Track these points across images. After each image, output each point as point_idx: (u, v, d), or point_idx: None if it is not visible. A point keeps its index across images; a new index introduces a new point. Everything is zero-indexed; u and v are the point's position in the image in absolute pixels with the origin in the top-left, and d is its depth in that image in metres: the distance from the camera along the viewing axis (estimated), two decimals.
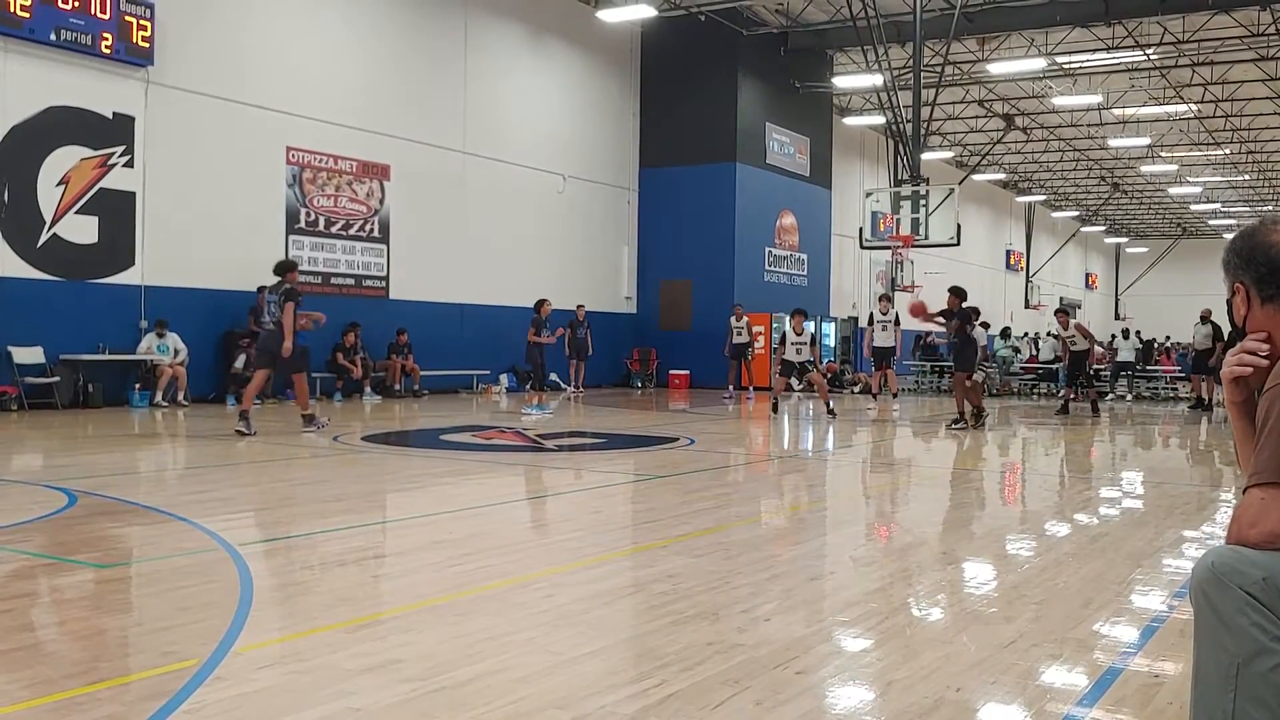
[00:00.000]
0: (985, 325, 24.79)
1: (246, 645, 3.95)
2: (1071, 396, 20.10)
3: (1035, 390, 26.73)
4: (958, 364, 15.70)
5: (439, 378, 20.90)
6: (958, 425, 14.94)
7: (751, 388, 23.39)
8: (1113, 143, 36.87)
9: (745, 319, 22.69)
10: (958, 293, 15.69)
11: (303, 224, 19.15)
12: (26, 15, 14.94)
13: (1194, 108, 32.69)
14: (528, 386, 18.04)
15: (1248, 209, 52.17)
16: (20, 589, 5.00)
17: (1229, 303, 2.47)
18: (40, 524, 6.50)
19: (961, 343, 15.46)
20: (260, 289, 17.58)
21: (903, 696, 3.51)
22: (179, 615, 4.37)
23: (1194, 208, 52.88)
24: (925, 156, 26.14)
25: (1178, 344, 36.15)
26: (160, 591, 4.88)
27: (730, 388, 22.89)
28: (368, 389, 19.40)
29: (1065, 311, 21.21)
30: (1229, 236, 2.53)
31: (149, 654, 3.91)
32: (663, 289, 27.08)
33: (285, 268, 12.88)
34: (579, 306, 22.91)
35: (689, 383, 25.85)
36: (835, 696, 3.55)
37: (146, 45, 16.32)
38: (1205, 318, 21.46)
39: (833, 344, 30.02)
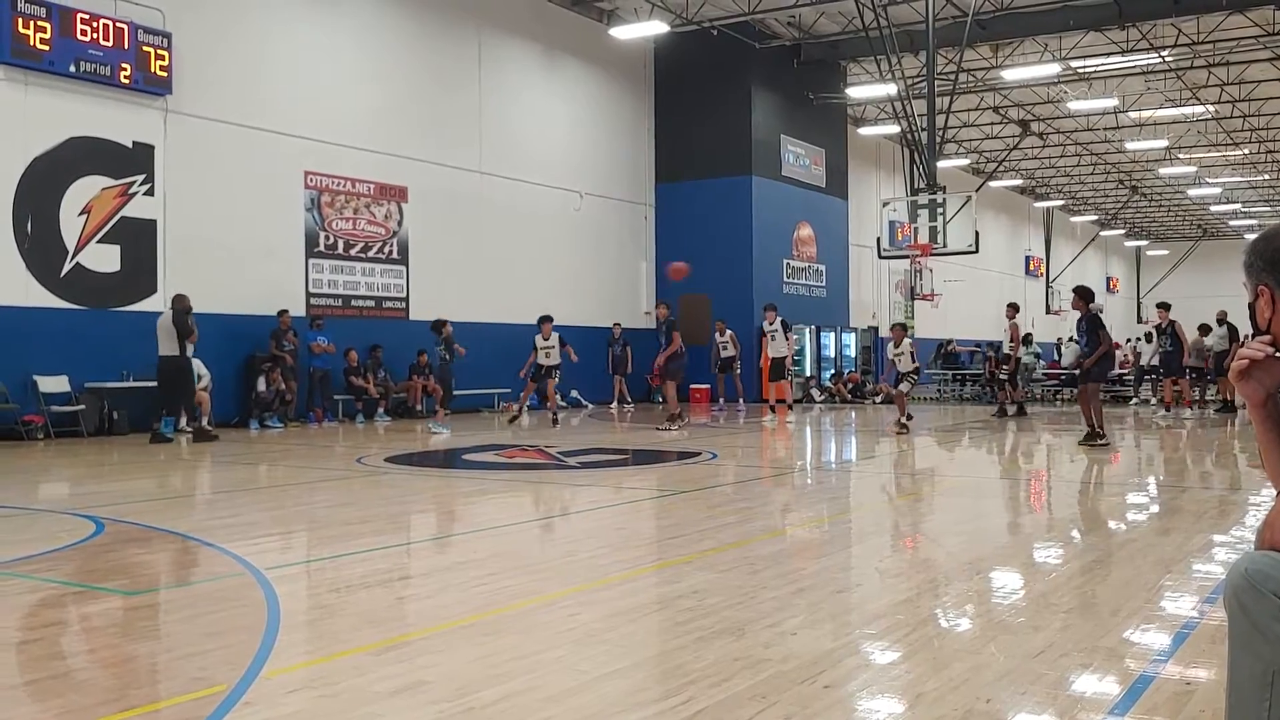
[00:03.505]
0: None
1: (275, 670, 3.96)
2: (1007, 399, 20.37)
3: (1058, 396, 26.56)
4: (1093, 376, 13.83)
5: (460, 397, 20.91)
6: (1100, 442, 13.27)
7: (742, 399, 23.48)
8: (1130, 146, 36.72)
9: (729, 333, 22.86)
10: (1084, 294, 14.13)
11: (322, 247, 19.26)
12: (46, 48, 15.12)
13: (1211, 108, 32.51)
14: (437, 405, 18.23)
15: (1269, 209, 51.80)
16: (50, 617, 5.03)
17: (1251, 306, 2.45)
18: (69, 552, 6.54)
19: (1092, 349, 13.70)
20: (281, 312, 17.73)
21: (932, 709, 3.48)
22: (208, 641, 4.39)
23: (1214, 209, 52.55)
24: (941, 164, 26.09)
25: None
26: (189, 617, 4.91)
27: (721, 400, 23.08)
28: (381, 410, 19.42)
29: (1015, 306, 21.05)
30: (1250, 237, 2.50)
31: (179, 680, 3.93)
32: (682, 303, 27.02)
33: (658, 304, 18.21)
34: (615, 324, 23.11)
35: (710, 397, 25.81)
36: (864, 710, 3.53)
37: (164, 75, 16.48)
38: (1221, 319, 21.39)
39: (853, 354, 29.95)
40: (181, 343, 14.60)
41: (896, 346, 16.99)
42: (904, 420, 16.43)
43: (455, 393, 18.07)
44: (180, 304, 14.87)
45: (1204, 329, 24.04)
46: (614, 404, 23.32)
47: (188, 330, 14.65)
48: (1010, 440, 15.72)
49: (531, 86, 23.66)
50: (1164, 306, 20.97)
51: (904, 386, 17.00)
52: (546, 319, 18.34)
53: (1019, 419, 19.17)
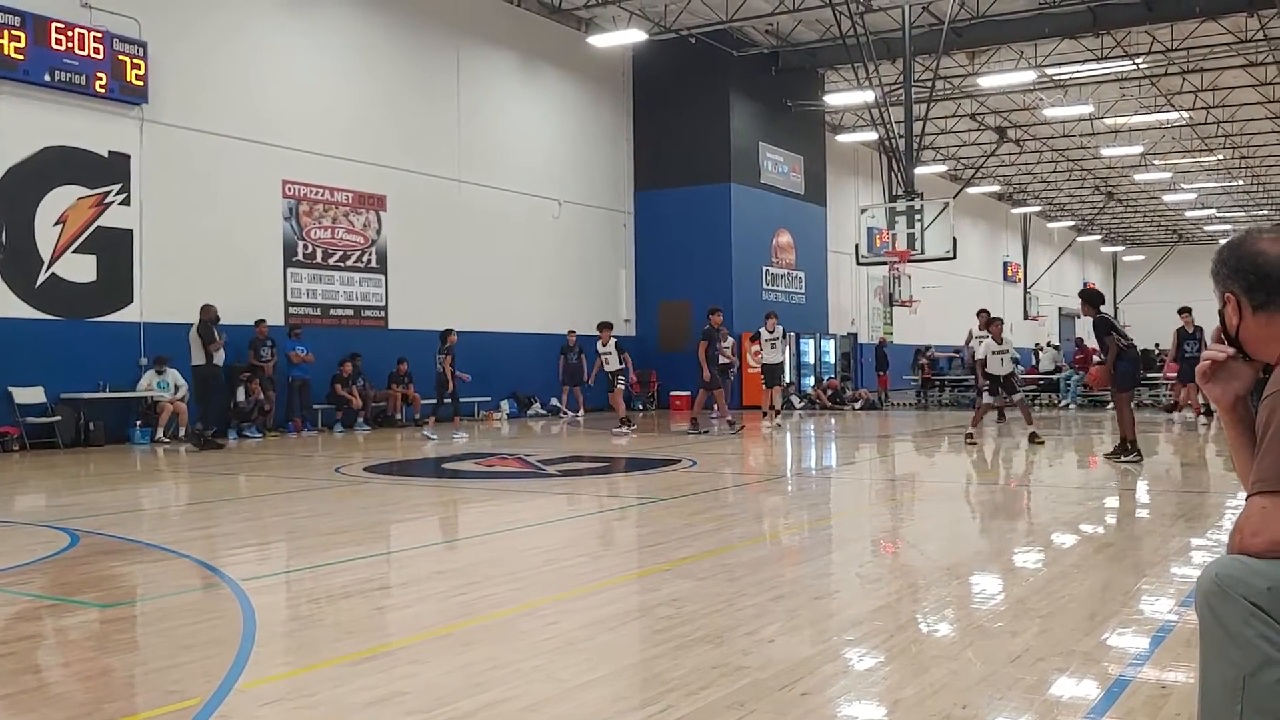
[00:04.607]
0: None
1: (250, 682, 3.93)
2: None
3: (1036, 401, 26.70)
4: (1117, 382, 12.41)
5: (437, 406, 20.85)
6: (1129, 458, 11.97)
7: (718, 408, 23.42)
8: (1105, 152, 36.98)
9: (730, 340, 22.78)
10: (1090, 298, 12.85)
11: (300, 256, 19.18)
12: (21, 57, 15.01)
13: (1185, 115, 32.80)
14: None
15: (1243, 214, 52.25)
16: (24, 631, 4.98)
17: (1221, 313, 2.48)
18: (43, 565, 6.49)
19: (1115, 356, 12.20)
20: (259, 321, 17.63)
21: (910, 714, 3.49)
22: (182, 653, 4.36)
23: (1189, 214, 52.98)
24: (919, 171, 26.21)
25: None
26: (163, 630, 4.87)
27: (715, 408, 23.00)
28: (360, 420, 19.30)
29: (987, 313, 20.85)
30: (1225, 242, 2.54)
31: (153, 693, 3.90)
32: (661, 310, 27.10)
33: (711, 311, 17.72)
34: (570, 332, 22.94)
35: (690, 404, 25.80)
36: (842, 717, 3.53)
37: (140, 84, 16.39)
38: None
39: (832, 361, 30.03)
40: (207, 351, 15.00)
41: (999, 343, 14.71)
42: (1036, 431, 14.56)
43: (445, 401, 18.02)
44: (206, 314, 15.20)
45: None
46: (567, 414, 22.95)
47: (209, 338, 15.01)
48: (990, 446, 15.78)
49: (510, 95, 23.65)
50: (1187, 310, 20.67)
51: (1018, 395, 15.03)
52: (605, 325, 18.72)
53: (999, 424, 19.21)
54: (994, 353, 14.70)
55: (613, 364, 18.36)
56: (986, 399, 14.91)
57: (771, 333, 20.29)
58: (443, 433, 17.40)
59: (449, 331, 17.91)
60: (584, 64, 25.44)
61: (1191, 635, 4.33)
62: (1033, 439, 14.33)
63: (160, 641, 4.67)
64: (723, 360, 22.64)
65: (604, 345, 18.42)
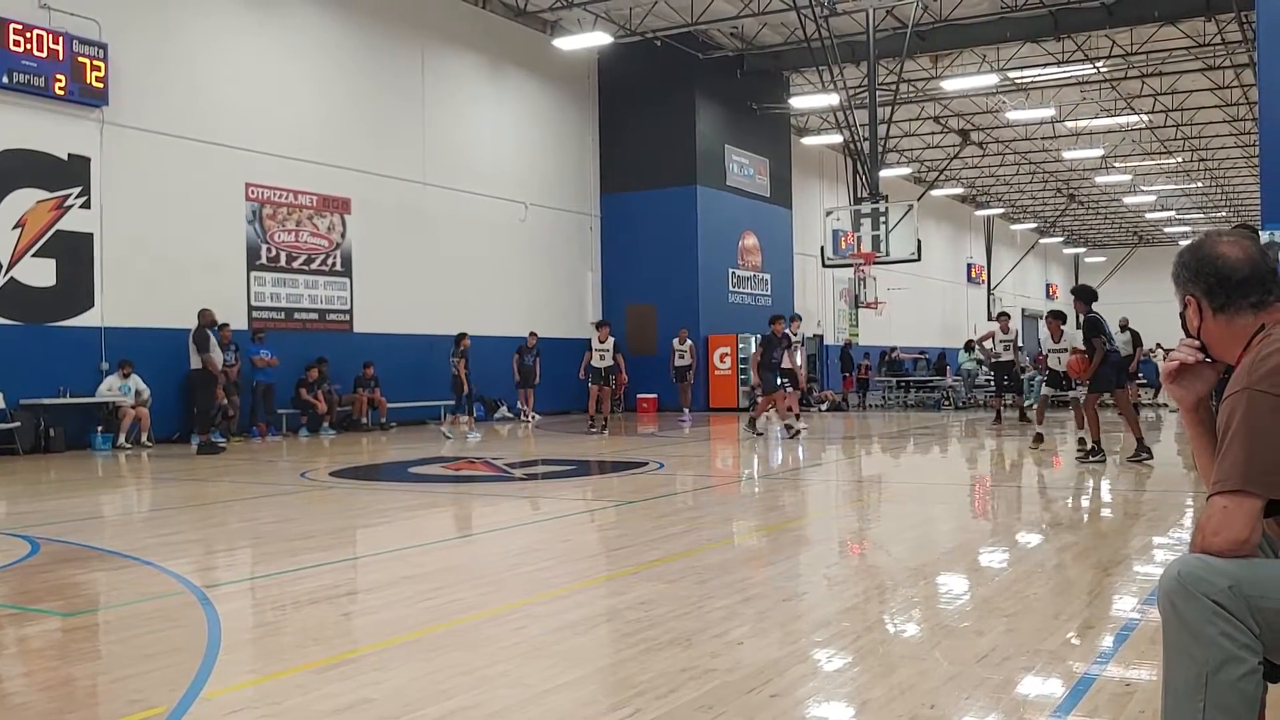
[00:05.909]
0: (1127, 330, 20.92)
1: (215, 690, 3.89)
2: (1007, 404, 20.56)
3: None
4: (1091, 383, 12.31)
5: (406, 410, 20.78)
6: (1094, 459, 12.02)
7: (687, 409, 23.54)
8: (1067, 155, 37.37)
9: (688, 342, 22.89)
10: (1083, 295, 12.52)
11: (264, 260, 19.03)
12: None
13: (1145, 118, 33.19)
14: (462, 413, 18.69)
15: (1202, 216, 52.93)
16: None
17: (1183, 315, 2.52)
18: (3, 573, 6.39)
19: (1100, 360, 12.14)
20: (222, 325, 17.45)
21: (878, 715, 3.51)
22: (146, 662, 4.31)
23: (1149, 216, 53.62)
24: (883, 174, 26.37)
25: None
26: (126, 638, 4.81)
27: (686, 410, 23.10)
28: (325, 425, 19.15)
29: (1006, 315, 21.37)
30: (1185, 244, 2.58)
31: (116, 703, 3.85)
32: (628, 313, 27.09)
33: (772, 319, 17.48)
34: (531, 334, 22.81)
35: (657, 406, 25.85)
36: (810, 718, 3.54)
37: (100, 86, 16.20)
38: (1124, 326, 21.85)
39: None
40: (202, 356, 15.07)
41: (1055, 340, 14.08)
42: (1084, 437, 13.12)
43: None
44: (203, 319, 15.32)
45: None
46: (534, 417, 22.79)
47: (203, 344, 15.06)
48: (955, 447, 15.90)
49: (476, 98, 23.59)
50: None
51: (1045, 391, 14.49)
52: (604, 323, 19.16)
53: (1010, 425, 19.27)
54: (1050, 350, 14.47)
55: (607, 360, 18.57)
56: (1046, 391, 14.53)
57: (796, 336, 20.68)
58: (408, 436, 17.31)
59: (462, 335, 18.11)
60: (549, 67, 25.40)
61: (1155, 633, 4.38)
62: (1081, 445, 13.13)
63: (123, 650, 4.62)
64: (681, 362, 22.78)
65: (601, 342, 18.64)
